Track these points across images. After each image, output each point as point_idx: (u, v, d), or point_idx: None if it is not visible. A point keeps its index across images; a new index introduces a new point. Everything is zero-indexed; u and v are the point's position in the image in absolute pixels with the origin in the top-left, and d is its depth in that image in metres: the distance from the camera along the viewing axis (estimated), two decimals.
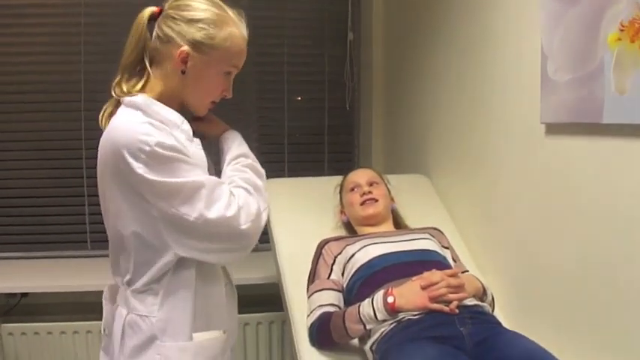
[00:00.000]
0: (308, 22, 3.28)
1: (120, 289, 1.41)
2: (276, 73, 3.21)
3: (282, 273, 2.12)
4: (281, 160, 3.21)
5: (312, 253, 2.05)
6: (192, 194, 1.27)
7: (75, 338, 2.57)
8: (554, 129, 1.76)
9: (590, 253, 1.63)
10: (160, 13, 1.37)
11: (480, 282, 1.91)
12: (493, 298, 1.93)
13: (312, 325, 1.85)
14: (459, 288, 1.72)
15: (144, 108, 1.32)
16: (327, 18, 3.25)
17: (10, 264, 2.89)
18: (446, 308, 1.67)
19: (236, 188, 1.36)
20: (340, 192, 2.26)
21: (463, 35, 2.30)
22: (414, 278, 1.75)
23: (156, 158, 1.24)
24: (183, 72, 1.35)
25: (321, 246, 2.05)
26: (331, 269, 1.97)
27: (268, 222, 2.21)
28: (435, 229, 2.16)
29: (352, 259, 1.94)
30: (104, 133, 1.33)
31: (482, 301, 1.85)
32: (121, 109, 1.34)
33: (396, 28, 3.02)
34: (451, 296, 1.69)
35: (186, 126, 1.37)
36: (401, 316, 1.69)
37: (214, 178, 1.35)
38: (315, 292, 1.92)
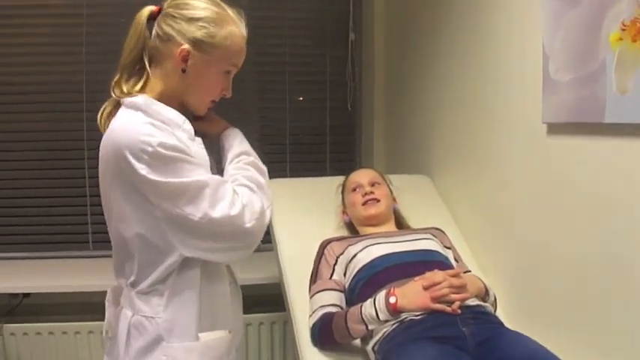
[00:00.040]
0: (309, 22, 3.28)
1: (124, 291, 1.40)
2: (278, 73, 3.21)
3: (284, 273, 2.12)
4: (283, 160, 3.21)
5: (314, 254, 2.05)
6: (197, 194, 1.27)
7: (77, 338, 2.57)
8: (555, 129, 1.76)
9: (592, 253, 1.62)
10: (159, 12, 1.37)
11: (482, 282, 1.91)
12: (495, 298, 1.93)
13: (314, 325, 1.85)
14: (461, 288, 1.72)
15: (144, 108, 1.31)
16: (329, 18, 3.24)
17: (12, 264, 2.89)
18: (448, 308, 1.67)
19: (239, 187, 1.36)
20: (342, 192, 2.26)
21: (465, 35, 2.30)
22: (417, 278, 1.75)
23: (159, 159, 1.24)
24: (183, 70, 1.34)
25: (323, 246, 2.05)
26: (333, 269, 1.97)
27: (270, 222, 2.20)
28: (437, 229, 2.16)
29: (354, 260, 1.94)
30: (105, 135, 1.33)
31: (485, 301, 1.85)
32: (122, 111, 1.34)
33: (397, 28, 3.02)
34: (453, 296, 1.69)
35: (188, 125, 1.36)
36: (403, 316, 1.69)
37: (218, 177, 1.34)
38: (317, 292, 1.92)
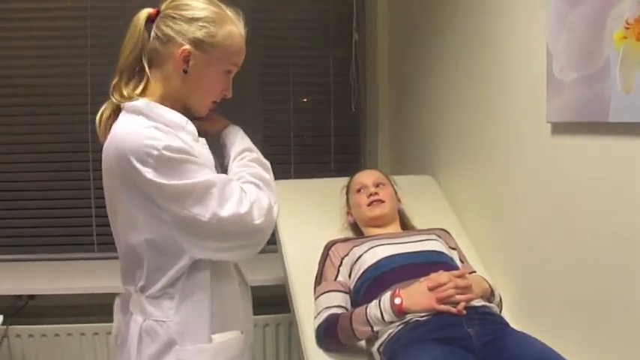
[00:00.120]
0: (313, 24, 3.29)
1: (133, 297, 1.39)
2: (282, 74, 3.21)
3: (289, 274, 2.11)
4: (287, 161, 3.21)
5: (319, 255, 2.04)
6: (204, 194, 1.27)
7: (82, 340, 2.58)
8: (560, 128, 1.76)
9: (598, 253, 1.62)
10: (157, 14, 1.36)
11: (488, 283, 1.90)
12: (501, 299, 1.92)
13: (319, 326, 1.84)
14: (466, 289, 1.72)
15: (146, 112, 1.30)
16: (332, 19, 3.25)
17: (17, 266, 2.90)
18: (453, 309, 1.67)
19: (246, 184, 1.35)
20: (347, 193, 2.25)
21: (470, 35, 2.29)
22: (422, 279, 1.75)
23: (164, 162, 1.24)
24: (184, 71, 1.33)
25: (327, 247, 2.05)
26: (338, 271, 1.97)
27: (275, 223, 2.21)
28: (442, 230, 2.15)
29: (359, 261, 1.94)
30: (107, 142, 1.31)
31: (490, 301, 1.84)
32: (123, 115, 1.32)
33: (401, 28, 3.02)
34: (459, 297, 1.69)
35: (191, 126, 1.35)
36: (408, 317, 1.68)
37: (224, 176, 1.34)
38: (322, 293, 1.91)
